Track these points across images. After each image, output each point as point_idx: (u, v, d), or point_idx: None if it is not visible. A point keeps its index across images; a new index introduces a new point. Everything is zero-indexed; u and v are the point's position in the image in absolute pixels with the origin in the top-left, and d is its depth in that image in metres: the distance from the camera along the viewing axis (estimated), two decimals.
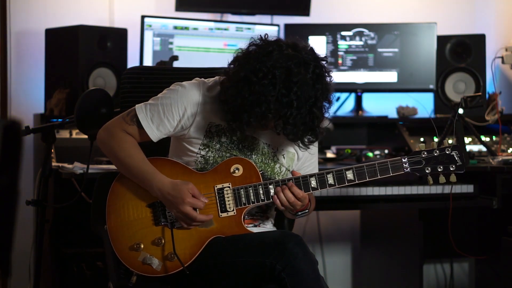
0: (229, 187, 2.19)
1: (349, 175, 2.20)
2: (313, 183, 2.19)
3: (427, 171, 2.23)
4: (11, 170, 1.24)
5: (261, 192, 2.18)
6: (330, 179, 2.20)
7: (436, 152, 2.23)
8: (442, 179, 2.24)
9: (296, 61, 2.06)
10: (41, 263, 2.67)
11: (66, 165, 2.95)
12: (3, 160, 1.22)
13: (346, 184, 2.20)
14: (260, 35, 2.15)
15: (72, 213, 3.02)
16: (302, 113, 2.06)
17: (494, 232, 3.44)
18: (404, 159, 2.22)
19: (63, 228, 3.12)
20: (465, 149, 3.24)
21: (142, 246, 2.18)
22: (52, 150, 2.92)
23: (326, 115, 2.14)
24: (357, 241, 4.15)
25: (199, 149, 2.22)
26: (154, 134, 2.21)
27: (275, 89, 2.04)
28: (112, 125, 2.25)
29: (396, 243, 3.75)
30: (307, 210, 2.26)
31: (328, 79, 2.11)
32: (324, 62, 2.12)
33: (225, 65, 2.19)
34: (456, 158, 2.23)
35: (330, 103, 2.13)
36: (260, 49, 2.10)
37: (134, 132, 2.22)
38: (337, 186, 2.21)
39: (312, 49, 2.13)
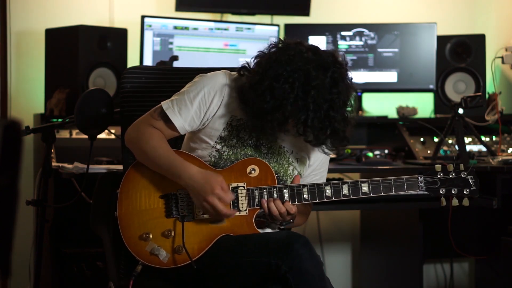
0: (243, 186, 2.18)
1: (364, 188, 2.21)
2: (328, 191, 2.20)
3: (441, 192, 2.24)
4: (11, 170, 1.24)
5: (275, 195, 2.17)
6: (345, 190, 2.20)
7: (452, 174, 2.24)
8: (454, 201, 2.25)
9: (314, 64, 2.07)
10: (41, 263, 2.67)
11: (66, 165, 2.95)
12: (3, 160, 1.22)
13: (361, 196, 2.21)
14: (280, 38, 2.16)
15: (72, 213, 3.02)
16: (318, 117, 2.06)
17: (494, 232, 3.44)
18: (420, 177, 2.23)
19: (63, 228, 3.12)
20: (465, 149, 3.24)
21: (151, 236, 2.17)
22: (52, 150, 2.92)
23: (347, 119, 2.12)
24: (357, 241, 4.15)
25: (216, 142, 2.21)
26: (182, 125, 2.19)
27: (293, 92, 2.05)
28: (140, 122, 2.25)
29: (396, 243, 3.75)
30: (292, 221, 2.25)
31: (346, 83, 2.11)
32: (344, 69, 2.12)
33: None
34: (471, 183, 2.24)
35: (346, 106, 2.12)
36: (281, 53, 2.11)
37: (161, 126, 2.21)
38: (351, 197, 2.21)
39: (332, 53, 2.12)
